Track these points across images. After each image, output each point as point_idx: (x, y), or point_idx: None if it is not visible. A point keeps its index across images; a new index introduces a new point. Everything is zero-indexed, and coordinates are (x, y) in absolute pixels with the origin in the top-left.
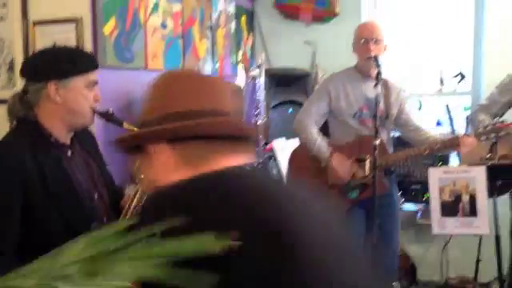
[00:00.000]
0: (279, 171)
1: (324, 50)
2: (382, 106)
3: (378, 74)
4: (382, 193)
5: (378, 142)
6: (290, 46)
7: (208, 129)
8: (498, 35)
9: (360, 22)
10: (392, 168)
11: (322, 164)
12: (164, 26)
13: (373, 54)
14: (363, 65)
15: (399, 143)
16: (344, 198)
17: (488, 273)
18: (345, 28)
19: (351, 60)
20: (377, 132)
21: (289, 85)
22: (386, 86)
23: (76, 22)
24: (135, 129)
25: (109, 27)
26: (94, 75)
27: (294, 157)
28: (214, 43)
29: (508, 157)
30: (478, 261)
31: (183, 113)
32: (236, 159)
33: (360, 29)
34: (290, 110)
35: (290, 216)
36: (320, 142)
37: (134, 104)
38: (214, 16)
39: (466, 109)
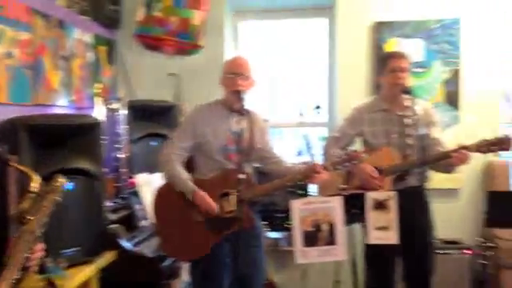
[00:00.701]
0: (142, 207)
1: (188, 82)
2: (247, 138)
3: (242, 108)
4: (250, 226)
5: (243, 176)
6: (154, 77)
7: None
8: (348, 71)
9: (223, 55)
10: (257, 199)
11: (189, 197)
12: (9, 55)
13: (240, 89)
14: (229, 99)
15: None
16: (211, 234)
17: None
18: (209, 60)
19: (216, 92)
20: (242, 166)
21: (152, 117)
22: (251, 117)
23: None
24: None
25: None
26: None
27: (160, 193)
28: (68, 74)
29: (362, 187)
30: (336, 282)
31: None
32: None
33: (229, 63)
34: (154, 143)
35: None
36: (186, 177)
37: None
38: (69, 45)
39: (322, 139)
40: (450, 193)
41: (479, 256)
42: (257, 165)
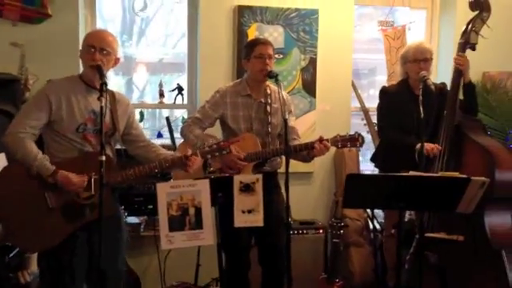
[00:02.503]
0: None
1: (35, 53)
2: (107, 119)
3: (102, 84)
4: (111, 213)
5: (104, 158)
6: None
7: None
8: (210, 54)
9: (77, 26)
10: (118, 185)
11: (48, 180)
12: None
13: (100, 64)
14: (88, 74)
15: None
16: (66, 221)
17: (206, 276)
18: (59, 31)
19: (68, 66)
20: (103, 148)
21: None
22: (114, 98)
23: None
24: None
25: None
26: None
27: (4, 176)
28: None
29: (223, 170)
30: (197, 266)
31: None
32: None
33: (89, 35)
34: None
35: None
36: (42, 157)
37: None
38: None
39: (182, 121)
40: (305, 176)
41: (332, 235)
42: (120, 147)
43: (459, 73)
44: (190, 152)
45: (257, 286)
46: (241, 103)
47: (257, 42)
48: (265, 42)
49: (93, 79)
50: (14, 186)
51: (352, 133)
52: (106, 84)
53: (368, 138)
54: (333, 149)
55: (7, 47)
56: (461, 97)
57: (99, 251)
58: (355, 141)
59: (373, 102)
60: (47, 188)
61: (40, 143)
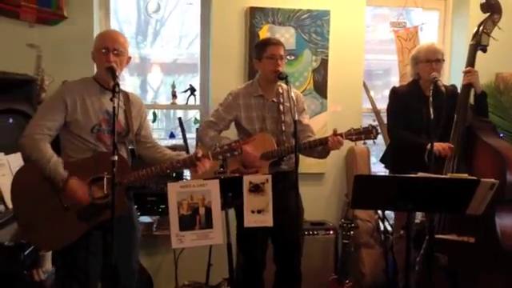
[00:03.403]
0: None
1: (51, 54)
2: (121, 120)
3: (115, 86)
4: (124, 213)
5: (116, 158)
6: (11, 48)
7: None
8: (222, 55)
9: (92, 27)
10: (131, 185)
11: (59, 185)
12: None
13: (113, 66)
14: (101, 75)
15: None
16: (80, 221)
17: (217, 276)
18: (74, 32)
19: (84, 67)
20: (115, 148)
21: (9, 91)
22: (128, 99)
23: None
24: None
25: None
26: None
27: (21, 175)
28: None
29: (237, 171)
30: (209, 266)
31: None
32: None
33: (101, 37)
34: (10, 119)
35: None
36: (56, 161)
37: None
38: None
39: (195, 122)
40: (316, 177)
41: (342, 236)
42: (131, 147)
43: (469, 86)
44: (200, 153)
45: (269, 285)
46: (254, 104)
47: (268, 43)
48: (276, 43)
49: (107, 80)
50: (30, 185)
51: (366, 125)
52: (118, 85)
53: (380, 139)
54: (344, 148)
55: (24, 48)
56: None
57: (111, 249)
58: (369, 133)
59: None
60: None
61: (56, 143)
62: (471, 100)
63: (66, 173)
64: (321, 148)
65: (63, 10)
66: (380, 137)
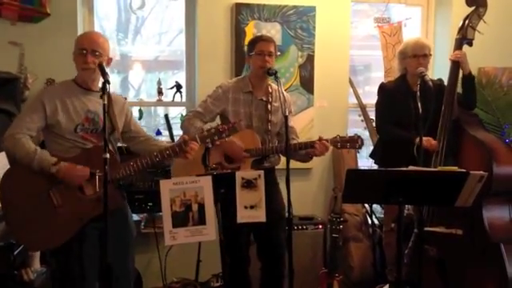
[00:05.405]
0: None
1: (34, 52)
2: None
3: (105, 83)
4: (117, 207)
5: (107, 155)
6: None
7: None
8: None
9: (76, 24)
10: (123, 180)
11: (51, 171)
12: None
13: (91, 67)
14: (81, 77)
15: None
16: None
17: (206, 272)
18: (58, 30)
19: (67, 64)
20: (106, 144)
21: None
22: (109, 98)
23: None
24: None
25: None
26: None
27: (9, 175)
28: None
29: (220, 165)
30: (198, 262)
31: None
32: None
33: (80, 38)
34: None
35: None
36: (41, 151)
37: None
38: None
39: (181, 118)
40: (304, 172)
41: (331, 230)
42: (121, 145)
43: (457, 65)
44: (187, 137)
45: (256, 282)
46: (242, 100)
47: (258, 39)
48: (266, 39)
49: (87, 81)
50: (18, 187)
51: (352, 134)
52: (108, 82)
53: (365, 134)
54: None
55: (6, 46)
56: (459, 90)
57: (105, 248)
58: (354, 142)
59: (369, 98)
60: (52, 186)
61: (43, 147)
62: (459, 89)
63: (55, 158)
64: (304, 152)
65: (46, 7)
66: (365, 132)
